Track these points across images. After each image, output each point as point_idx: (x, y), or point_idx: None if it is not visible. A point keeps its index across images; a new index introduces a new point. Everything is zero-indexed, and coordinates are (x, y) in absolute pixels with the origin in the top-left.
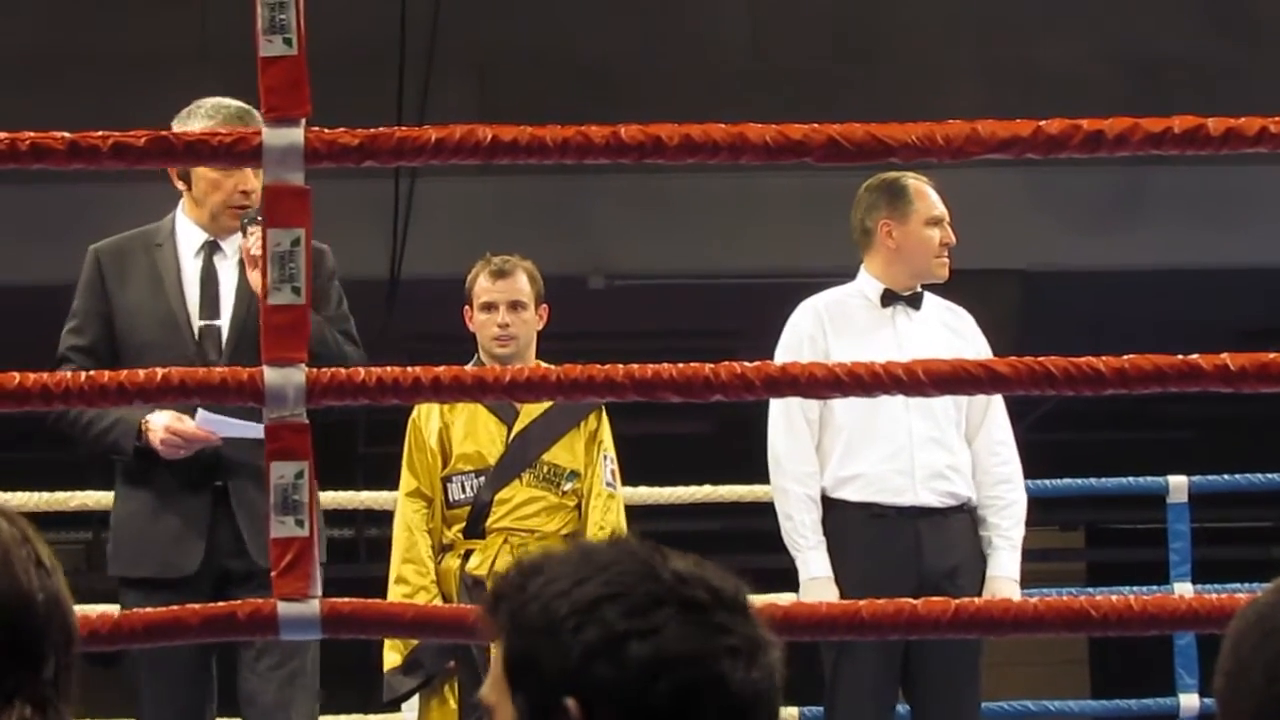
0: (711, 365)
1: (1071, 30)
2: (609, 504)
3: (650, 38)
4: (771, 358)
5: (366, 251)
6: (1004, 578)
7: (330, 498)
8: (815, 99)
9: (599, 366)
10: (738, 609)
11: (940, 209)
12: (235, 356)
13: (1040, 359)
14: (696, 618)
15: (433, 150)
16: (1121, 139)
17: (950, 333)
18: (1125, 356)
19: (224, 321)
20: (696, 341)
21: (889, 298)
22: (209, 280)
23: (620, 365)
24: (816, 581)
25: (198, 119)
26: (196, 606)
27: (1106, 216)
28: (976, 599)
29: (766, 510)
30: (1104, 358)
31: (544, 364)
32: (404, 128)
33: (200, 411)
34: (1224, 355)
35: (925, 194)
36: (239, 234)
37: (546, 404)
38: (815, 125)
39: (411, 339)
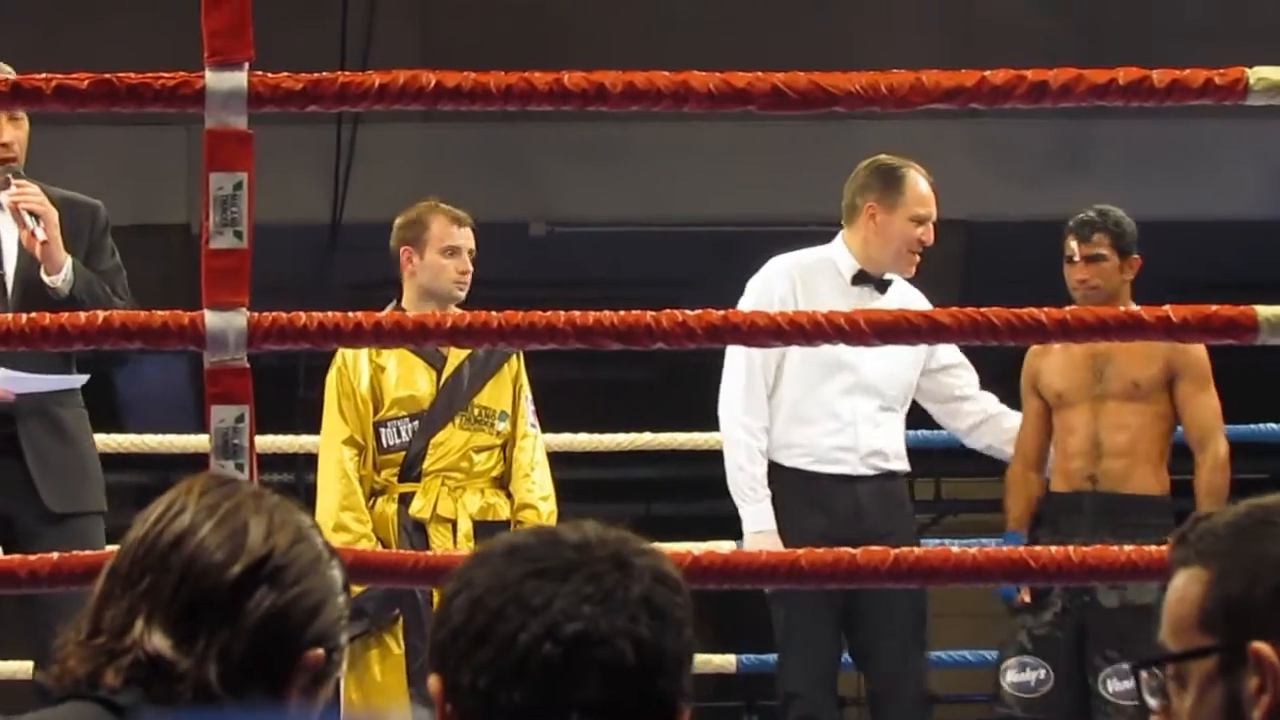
0: (653, 313)
1: None
2: (534, 444)
3: None
4: (712, 305)
5: (308, 197)
6: None
7: (270, 442)
8: (760, 48)
9: (540, 313)
10: None
11: (928, 209)
12: (20, 307)
13: (982, 309)
14: None
15: (376, 95)
16: (1066, 89)
17: None
18: (1067, 308)
19: (8, 273)
20: (637, 290)
21: (861, 277)
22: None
23: (562, 312)
24: (761, 535)
25: None
26: None
27: (1049, 168)
28: (916, 548)
29: (707, 458)
30: (1046, 308)
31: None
32: (347, 73)
33: (0, 370)
34: (1166, 307)
35: (918, 189)
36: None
37: (471, 348)
38: (759, 74)
39: (352, 285)
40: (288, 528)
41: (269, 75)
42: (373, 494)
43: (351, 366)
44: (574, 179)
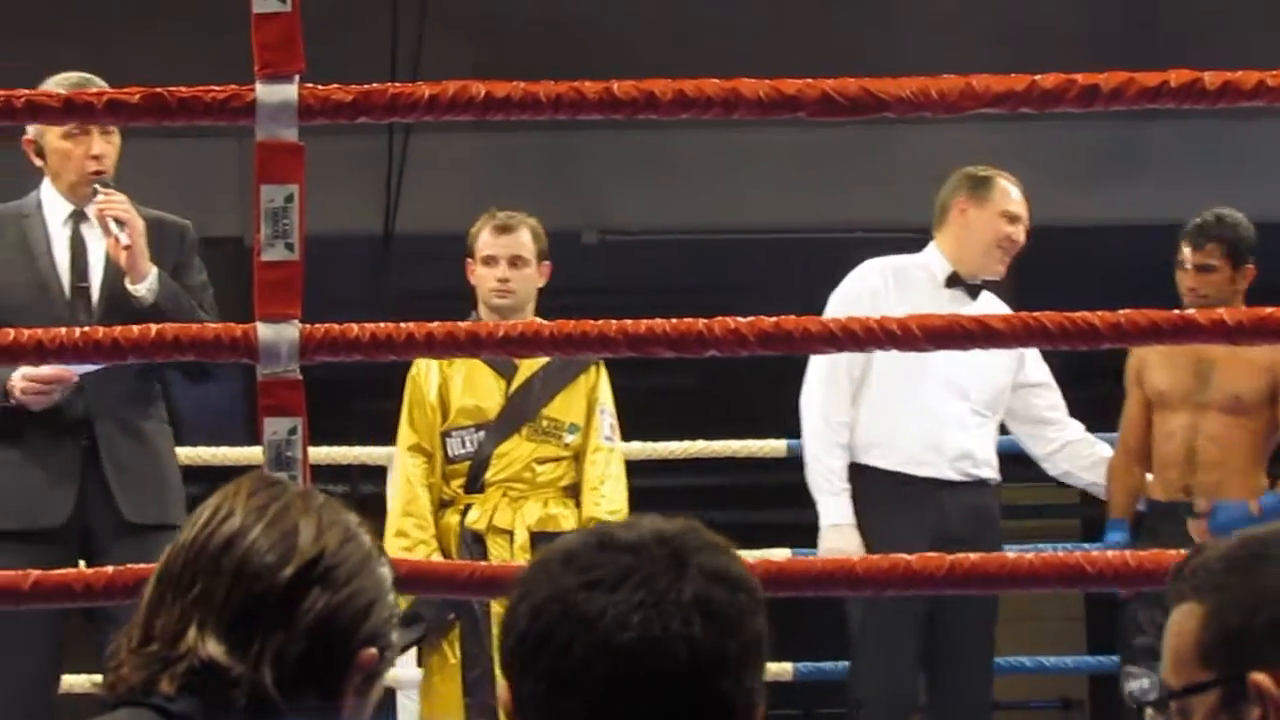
0: (705, 320)
1: None
2: (608, 458)
3: None
4: (764, 312)
5: (360, 208)
6: None
7: (324, 453)
8: (810, 55)
9: (592, 322)
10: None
11: (1019, 210)
12: (105, 318)
13: (1034, 314)
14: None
15: (426, 106)
16: (1117, 93)
17: None
18: (1120, 311)
19: (94, 285)
20: (689, 297)
21: (954, 280)
22: (78, 247)
23: (614, 320)
24: (838, 528)
25: None
26: None
27: (1100, 171)
28: (972, 555)
29: (760, 465)
30: (1099, 312)
31: (539, 320)
32: (397, 84)
33: None
34: (1220, 310)
35: (1009, 193)
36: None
37: (545, 359)
38: (809, 80)
39: (405, 295)
40: (337, 527)
41: (319, 87)
42: (442, 504)
43: (424, 374)
44: (626, 187)
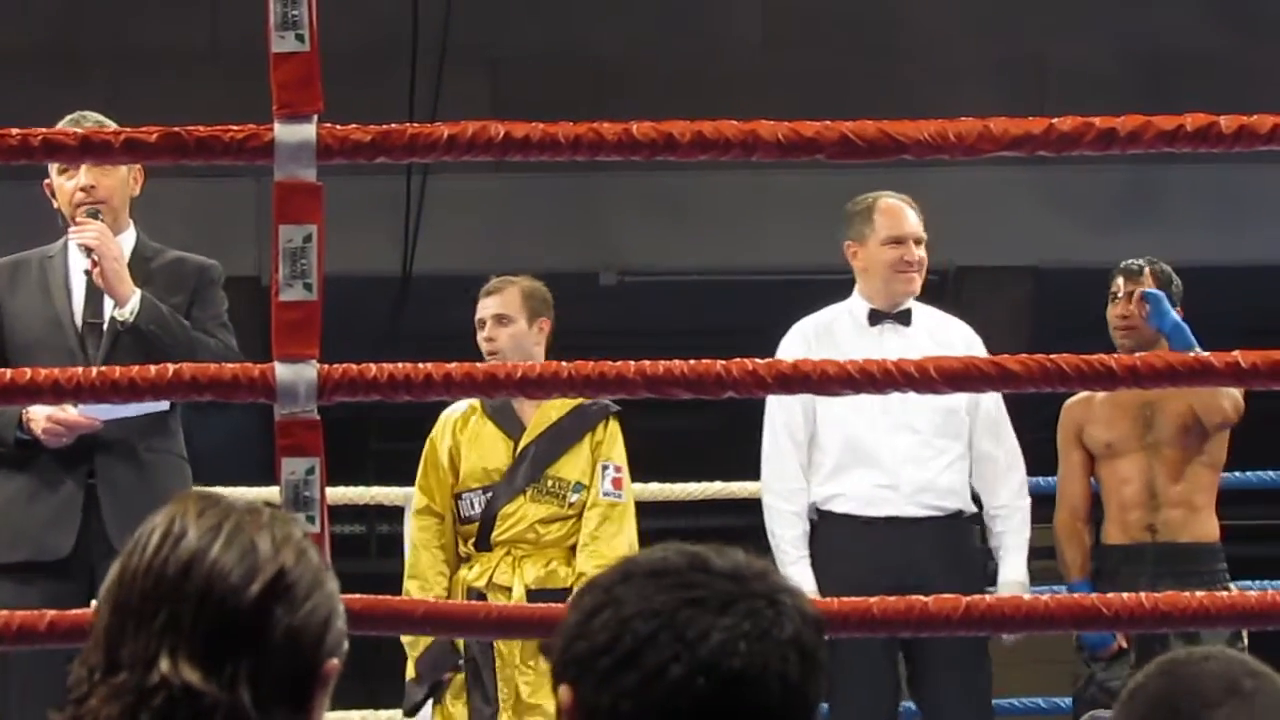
0: (723, 362)
1: (1083, 27)
2: (607, 513)
3: (663, 35)
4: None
5: (378, 248)
6: (1012, 582)
7: (341, 493)
8: (828, 97)
9: (610, 363)
10: (714, 571)
11: (901, 229)
12: (112, 352)
13: (1051, 356)
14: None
15: (445, 147)
16: (1134, 136)
17: (939, 348)
18: (1137, 354)
19: (107, 320)
20: (707, 339)
21: (875, 316)
22: (95, 283)
23: (632, 362)
24: None
25: None
26: None
27: (1118, 213)
28: (989, 596)
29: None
30: (1115, 355)
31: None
32: (416, 124)
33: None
34: (1235, 352)
35: (889, 213)
36: (123, 239)
37: (554, 418)
38: (827, 123)
39: (423, 336)
40: (291, 542)
41: (338, 127)
42: (460, 561)
43: (439, 437)
44: (644, 228)
